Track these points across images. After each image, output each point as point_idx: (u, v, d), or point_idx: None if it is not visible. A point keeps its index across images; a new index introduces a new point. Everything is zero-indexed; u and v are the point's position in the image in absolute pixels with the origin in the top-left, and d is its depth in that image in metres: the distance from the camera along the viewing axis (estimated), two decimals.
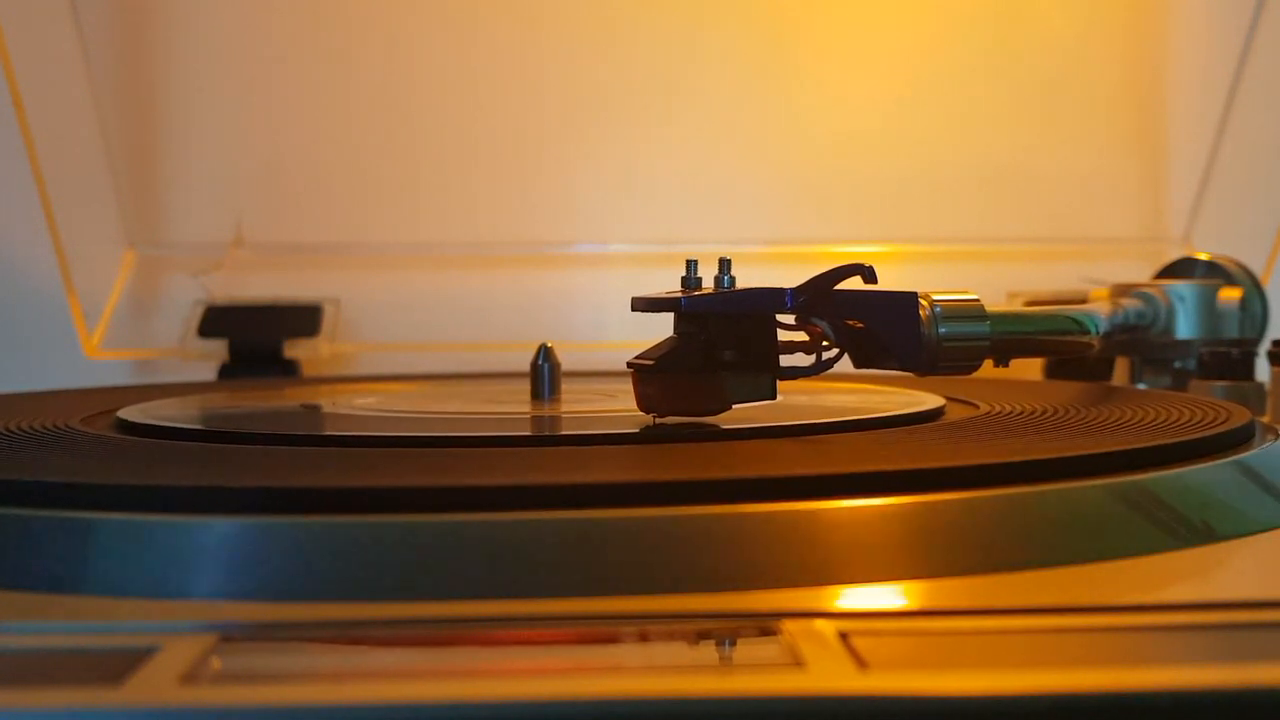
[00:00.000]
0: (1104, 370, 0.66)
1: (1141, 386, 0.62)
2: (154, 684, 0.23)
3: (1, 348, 0.77)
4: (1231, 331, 0.62)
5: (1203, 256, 0.67)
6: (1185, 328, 0.61)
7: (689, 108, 0.85)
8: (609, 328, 0.80)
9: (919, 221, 0.85)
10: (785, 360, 0.44)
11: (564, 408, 0.51)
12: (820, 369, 0.45)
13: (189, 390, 0.62)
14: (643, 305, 0.45)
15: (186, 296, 0.80)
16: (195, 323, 0.77)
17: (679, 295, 0.43)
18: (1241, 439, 0.41)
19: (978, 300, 0.47)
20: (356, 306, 0.81)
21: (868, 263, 0.43)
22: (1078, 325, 0.53)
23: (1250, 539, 0.34)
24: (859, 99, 0.86)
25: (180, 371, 0.78)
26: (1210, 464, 0.37)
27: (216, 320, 0.78)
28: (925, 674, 0.24)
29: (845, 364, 0.46)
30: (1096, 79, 0.87)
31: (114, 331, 0.79)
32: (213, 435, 0.43)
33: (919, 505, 0.31)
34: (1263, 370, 0.57)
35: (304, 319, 0.78)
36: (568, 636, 0.27)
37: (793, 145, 0.85)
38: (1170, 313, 0.61)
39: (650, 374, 0.43)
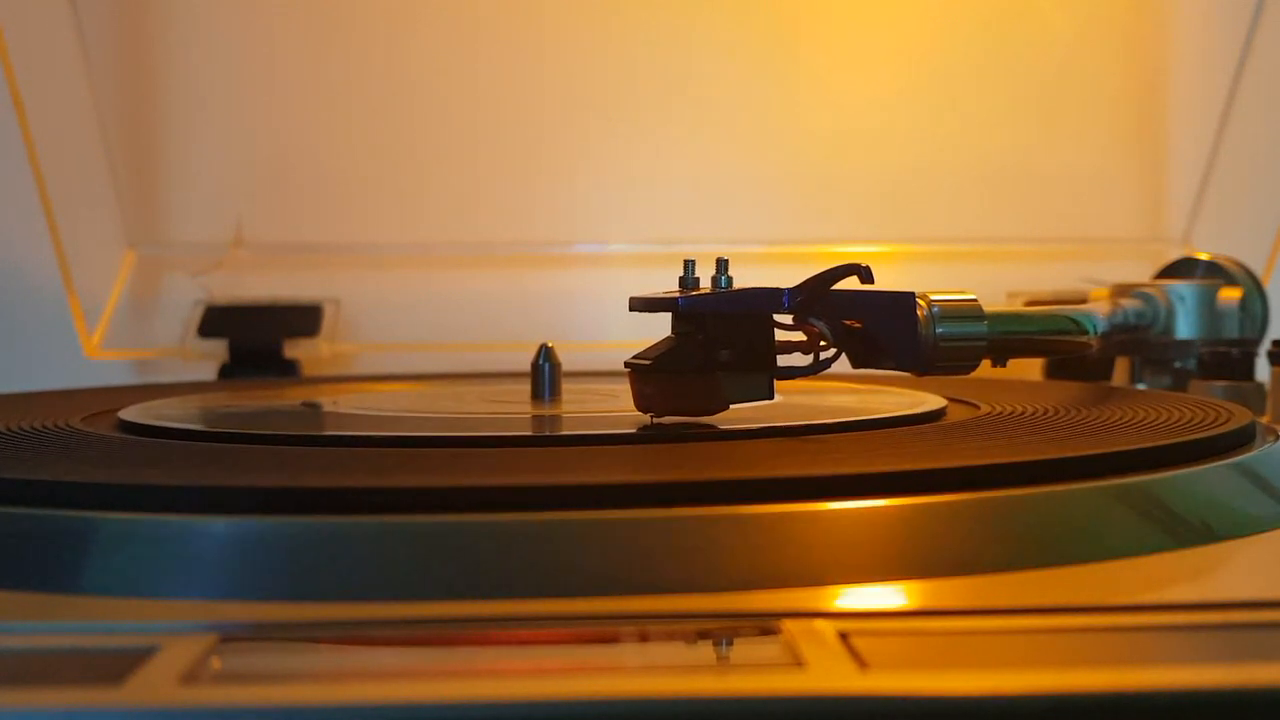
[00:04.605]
0: (1104, 370, 0.66)
1: (1141, 386, 0.62)
2: (154, 684, 0.23)
3: (1, 348, 0.77)
4: (1231, 331, 0.62)
5: (1203, 256, 0.67)
6: (1185, 328, 0.61)
7: (689, 108, 0.85)
8: (609, 328, 0.80)
9: (919, 221, 0.85)
10: (783, 360, 0.44)
11: (564, 408, 0.51)
12: (818, 369, 0.45)
13: (189, 390, 0.62)
14: (640, 305, 0.45)
15: (186, 296, 0.80)
16: (195, 323, 0.77)
17: (676, 295, 0.43)
18: (1242, 440, 0.41)
19: (975, 300, 0.47)
20: (356, 306, 0.81)
21: (866, 263, 0.43)
22: (1076, 325, 0.53)
23: (1250, 539, 0.34)
24: (859, 98, 0.86)
25: (180, 371, 0.78)
26: (1210, 464, 0.37)
27: (216, 320, 0.78)
28: (925, 674, 0.24)
29: (845, 364, 0.46)
30: (1096, 79, 0.87)
31: (114, 331, 0.79)
32: (213, 435, 0.43)
33: (919, 505, 0.31)
34: (1263, 370, 0.56)
35: (304, 319, 0.78)
36: (568, 636, 0.27)
37: (792, 145, 0.85)
38: (1170, 313, 0.61)
39: (648, 374, 0.43)
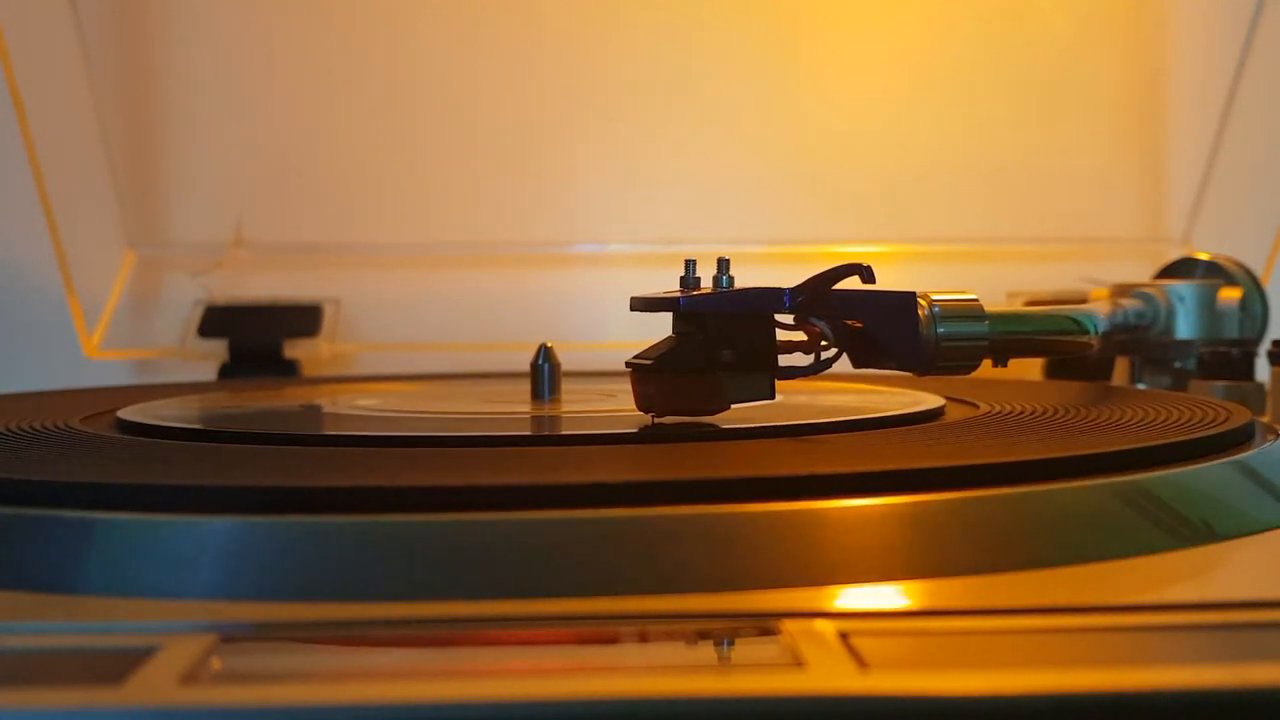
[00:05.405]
0: (1104, 370, 0.66)
1: (1141, 386, 0.62)
2: (154, 684, 0.23)
3: (1, 348, 0.77)
4: (1231, 331, 0.62)
5: (1203, 256, 0.67)
6: (1185, 328, 0.61)
7: (689, 108, 0.85)
8: (609, 328, 0.80)
9: (919, 221, 0.85)
10: (784, 360, 0.44)
11: (564, 408, 0.51)
12: (819, 369, 0.45)
13: (189, 390, 0.62)
14: (641, 305, 0.45)
15: (186, 296, 0.80)
16: (195, 323, 0.77)
17: (677, 295, 0.43)
18: (1241, 439, 0.41)
19: (976, 300, 0.47)
20: (356, 306, 0.81)
21: (867, 263, 0.43)
22: (1077, 325, 0.53)
23: (1250, 539, 0.34)
24: (859, 99, 0.86)
25: (180, 371, 0.78)
26: (1210, 464, 0.37)
27: (216, 320, 0.78)
28: (925, 674, 0.24)
29: (844, 364, 0.46)
30: (1096, 79, 0.87)
31: (114, 331, 0.79)
32: (213, 435, 0.43)
33: (919, 505, 0.31)
34: (1263, 370, 0.56)
35: (304, 319, 0.78)
36: (568, 636, 0.27)
37: (793, 145, 0.85)
38: (1170, 313, 0.61)
39: (649, 373, 0.43)
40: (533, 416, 0.49)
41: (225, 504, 0.31)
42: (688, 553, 0.29)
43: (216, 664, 0.25)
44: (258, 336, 0.77)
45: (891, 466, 0.34)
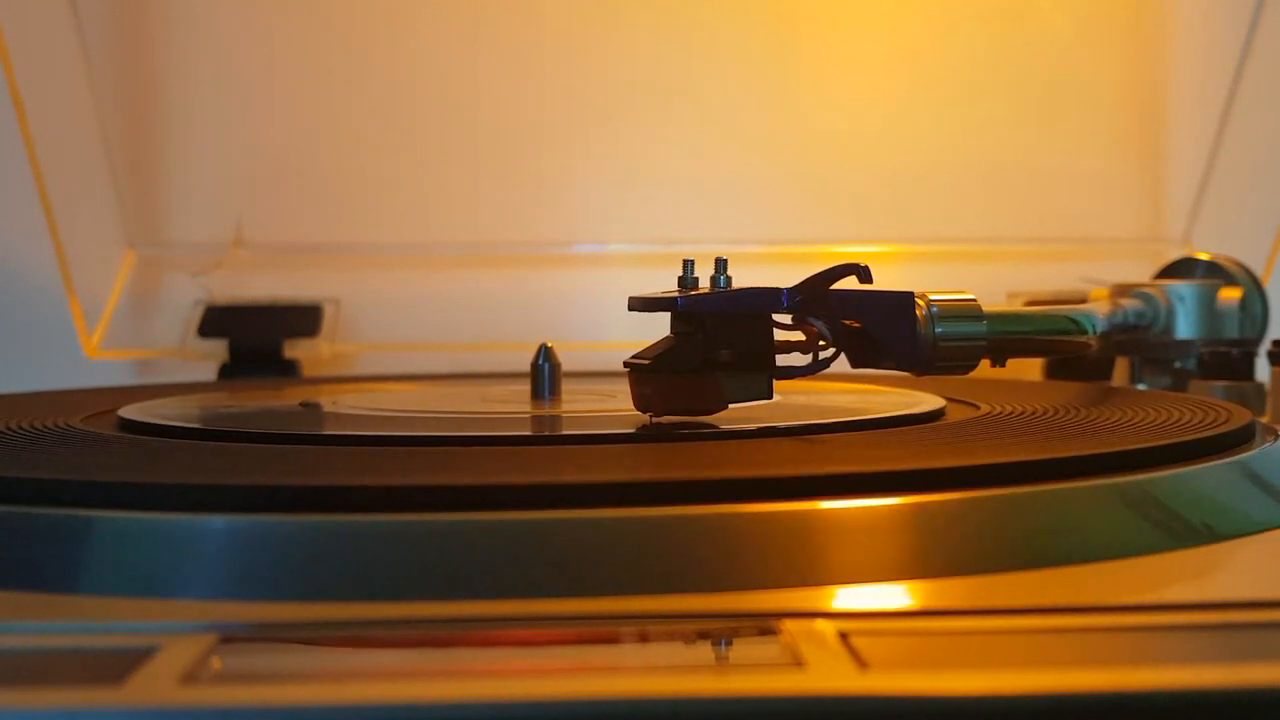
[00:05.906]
0: (1104, 370, 0.66)
1: (1141, 386, 0.62)
2: (154, 684, 0.23)
3: (1, 348, 0.77)
4: (1231, 331, 0.62)
5: (1203, 256, 0.67)
6: (1185, 328, 0.61)
7: (689, 108, 0.85)
8: (609, 328, 0.80)
9: (919, 221, 0.85)
10: (782, 360, 0.44)
11: (564, 408, 0.51)
12: (817, 369, 0.45)
13: (189, 390, 0.62)
14: (639, 305, 0.45)
15: (186, 296, 0.80)
16: (195, 323, 0.77)
17: (676, 295, 0.43)
18: (1241, 439, 0.41)
19: (974, 300, 0.47)
20: (356, 306, 0.81)
21: (865, 263, 0.43)
22: (1075, 325, 0.53)
23: (1250, 539, 0.34)
24: (859, 99, 0.86)
25: (180, 371, 0.78)
26: (1210, 464, 0.37)
27: (216, 320, 0.78)
28: (925, 674, 0.24)
29: (844, 364, 0.46)
30: (1096, 79, 0.87)
31: (114, 331, 0.79)
32: (213, 435, 0.43)
33: (919, 505, 0.31)
34: (1263, 370, 0.56)
35: (304, 319, 0.78)
36: (568, 636, 0.27)
37: (793, 145, 0.85)
38: (1170, 313, 0.61)
39: (647, 374, 0.43)
40: (533, 416, 0.49)
41: (226, 503, 0.31)
42: (688, 553, 0.29)
43: (216, 664, 0.25)
44: (258, 336, 0.77)
45: (891, 467, 0.34)
